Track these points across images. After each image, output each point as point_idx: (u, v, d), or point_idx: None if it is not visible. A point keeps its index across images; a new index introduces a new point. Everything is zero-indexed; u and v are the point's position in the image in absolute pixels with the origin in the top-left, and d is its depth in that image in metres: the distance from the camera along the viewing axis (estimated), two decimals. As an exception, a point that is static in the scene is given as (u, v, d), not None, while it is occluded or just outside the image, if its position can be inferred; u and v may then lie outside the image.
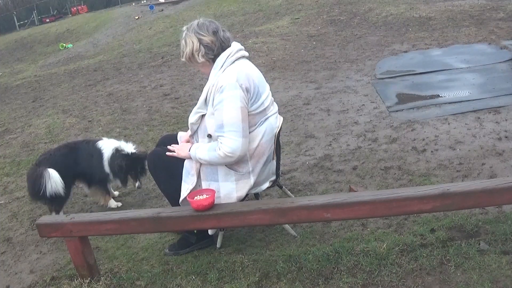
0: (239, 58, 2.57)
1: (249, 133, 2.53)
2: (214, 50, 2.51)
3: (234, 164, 2.55)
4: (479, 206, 2.65)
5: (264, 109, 2.56)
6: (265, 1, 13.48)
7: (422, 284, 2.26)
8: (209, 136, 2.56)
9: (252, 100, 2.49)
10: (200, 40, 2.49)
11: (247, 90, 2.46)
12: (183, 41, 2.57)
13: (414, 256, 2.44)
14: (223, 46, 2.54)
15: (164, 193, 2.95)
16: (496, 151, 3.53)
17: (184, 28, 2.59)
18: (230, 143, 2.42)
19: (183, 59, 2.60)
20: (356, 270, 2.42)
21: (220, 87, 2.44)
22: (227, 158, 2.46)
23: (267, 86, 2.66)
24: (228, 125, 2.43)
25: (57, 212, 3.46)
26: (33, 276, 2.96)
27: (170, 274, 2.67)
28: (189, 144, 2.68)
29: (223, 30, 2.57)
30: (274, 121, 2.67)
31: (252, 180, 2.61)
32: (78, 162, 3.50)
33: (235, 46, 2.59)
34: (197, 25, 2.53)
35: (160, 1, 19.96)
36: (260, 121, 2.56)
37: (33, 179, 3.33)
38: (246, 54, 2.65)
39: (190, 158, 2.61)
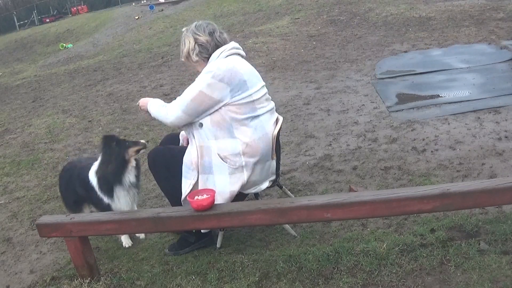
0: (232, 54, 2.65)
1: (240, 126, 2.57)
2: (209, 50, 2.65)
3: (227, 157, 2.59)
4: (479, 206, 2.65)
5: (252, 102, 2.59)
6: (265, 1, 13.48)
7: (422, 284, 2.26)
8: (200, 125, 2.63)
9: (234, 91, 2.54)
10: (196, 40, 2.64)
11: (222, 81, 2.53)
12: (182, 42, 2.72)
13: (414, 256, 2.44)
14: (219, 46, 2.66)
15: (164, 191, 2.95)
16: (496, 151, 3.53)
17: (184, 29, 2.74)
18: (171, 109, 2.65)
19: (182, 59, 2.75)
20: (356, 270, 2.42)
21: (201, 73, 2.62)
22: (164, 118, 2.70)
23: (260, 84, 2.69)
24: (181, 96, 2.62)
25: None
26: (33, 276, 2.96)
27: (170, 274, 2.67)
28: (149, 98, 2.87)
29: (220, 32, 2.69)
30: (267, 119, 2.68)
31: (245, 175, 2.62)
32: (76, 188, 3.08)
33: (231, 44, 2.69)
34: (195, 26, 2.68)
35: (160, 1, 19.97)
36: (250, 116, 2.59)
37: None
38: (242, 53, 2.72)
39: (147, 110, 2.81)
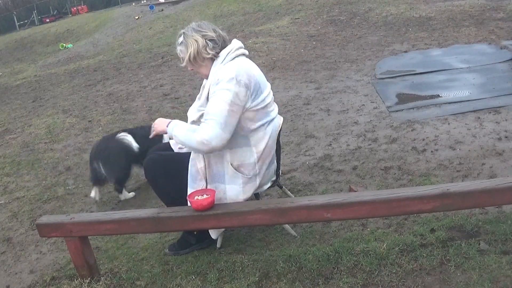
0: (239, 55, 2.57)
1: (256, 133, 2.51)
2: (220, 45, 2.52)
3: (242, 166, 2.54)
4: (479, 206, 2.65)
5: (266, 106, 2.54)
6: (265, 1, 13.48)
7: (422, 284, 2.26)
8: None
9: (253, 96, 2.46)
10: (204, 36, 2.50)
11: (246, 86, 2.42)
12: (181, 46, 2.54)
13: (414, 256, 2.44)
14: (224, 42, 2.56)
15: (165, 201, 2.83)
16: (496, 151, 3.53)
17: (181, 33, 2.57)
18: (209, 131, 2.36)
19: (184, 63, 2.58)
20: (356, 270, 2.42)
21: (217, 79, 2.44)
22: (201, 145, 2.37)
23: (268, 85, 2.65)
24: (212, 114, 2.38)
25: (120, 191, 3.80)
26: (33, 276, 2.96)
27: (170, 274, 2.67)
28: (168, 119, 2.61)
29: (219, 29, 2.60)
30: (278, 123, 2.68)
31: (257, 182, 2.61)
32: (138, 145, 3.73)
33: (236, 43, 2.59)
34: (197, 25, 2.55)
35: (160, 1, 19.96)
36: (265, 122, 2.55)
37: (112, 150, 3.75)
38: (246, 52, 2.65)
39: (165, 133, 2.56)
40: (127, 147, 3.69)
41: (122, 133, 3.79)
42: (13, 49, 18.05)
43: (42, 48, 16.79)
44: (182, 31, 2.57)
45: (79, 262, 2.63)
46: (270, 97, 2.61)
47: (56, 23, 22.18)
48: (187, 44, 2.51)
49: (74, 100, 7.25)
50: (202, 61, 2.54)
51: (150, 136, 2.72)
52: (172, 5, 18.10)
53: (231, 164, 2.54)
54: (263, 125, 2.54)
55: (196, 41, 2.49)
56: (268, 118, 2.57)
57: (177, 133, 2.47)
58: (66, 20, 23.20)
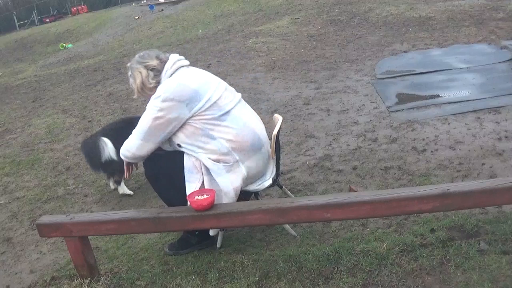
0: (177, 69, 2.66)
1: (214, 126, 2.56)
2: (161, 72, 2.67)
3: (219, 158, 2.58)
4: (479, 206, 2.65)
5: (215, 103, 2.58)
6: (265, 1, 13.49)
7: (422, 284, 2.26)
8: (179, 145, 2.63)
9: (190, 104, 2.54)
10: (146, 67, 2.66)
11: (178, 100, 2.53)
12: (131, 79, 2.74)
13: (414, 256, 2.44)
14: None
15: (165, 200, 2.87)
16: (496, 151, 3.53)
17: (128, 66, 2.76)
18: (130, 141, 2.67)
19: (136, 95, 2.76)
20: (356, 270, 2.42)
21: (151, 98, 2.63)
22: (126, 152, 2.70)
23: (213, 84, 2.64)
24: (138, 127, 2.64)
25: (119, 183, 3.82)
26: (33, 276, 2.96)
27: (170, 274, 2.67)
28: None
29: (162, 53, 2.74)
30: (240, 110, 2.67)
31: (243, 169, 2.61)
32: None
33: (172, 58, 2.69)
34: (139, 56, 2.72)
35: (160, 1, 19.98)
36: (218, 115, 2.57)
37: (89, 149, 3.74)
38: (186, 63, 2.73)
39: (128, 160, 2.79)
40: (101, 151, 3.64)
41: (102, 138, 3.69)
42: (13, 49, 18.06)
43: (42, 48, 16.81)
44: (128, 64, 2.76)
45: (79, 262, 2.63)
46: (218, 94, 2.62)
47: (56, 23, 22.20)
48: (134, 76, 2.70)
49: (74, 100, 7.26)
50: (149, 91, 2.68)
51: (125, 177, 2.92)
52: (172, 5, 18.12)
53: (209, 159, 2.60)
54: (218, 117, 2.57)
55: (140, 72, 2.67)
56: (222, 112, 2.58)
57: (121, 155, 2.77)
58: (66, 20, 23.22)
